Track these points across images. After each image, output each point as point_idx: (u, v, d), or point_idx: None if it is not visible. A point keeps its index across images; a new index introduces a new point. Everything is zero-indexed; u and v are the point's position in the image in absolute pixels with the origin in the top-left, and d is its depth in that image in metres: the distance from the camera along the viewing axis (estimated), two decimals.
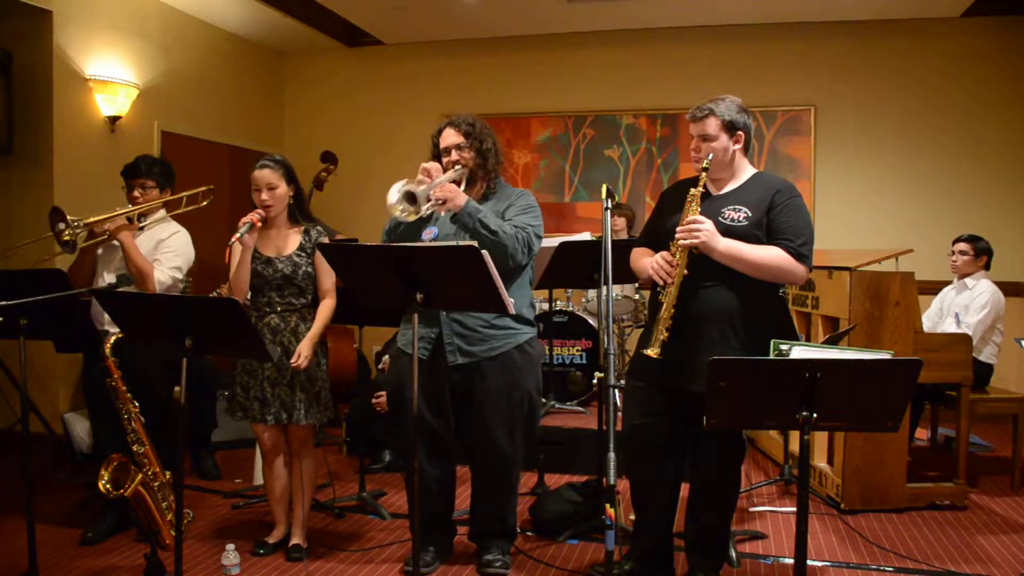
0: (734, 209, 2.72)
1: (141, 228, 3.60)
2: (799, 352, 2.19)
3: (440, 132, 3.17)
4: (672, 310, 2.63)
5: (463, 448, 3.23)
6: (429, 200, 2.86)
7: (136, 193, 3.62)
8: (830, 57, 6.08)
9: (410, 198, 2.84)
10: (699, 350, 2.66)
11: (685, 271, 2.65)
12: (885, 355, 2.16)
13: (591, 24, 6.23)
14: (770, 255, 2.65)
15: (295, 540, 3.30)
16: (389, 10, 5.94)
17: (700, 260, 2.67)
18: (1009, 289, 5.36)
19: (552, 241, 3.89)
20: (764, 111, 6.13)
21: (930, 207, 5.96)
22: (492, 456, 3.13)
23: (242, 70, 6.56)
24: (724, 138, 2.74)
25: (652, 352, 2.61)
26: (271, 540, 3.35)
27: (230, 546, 3.13)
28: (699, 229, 2.62)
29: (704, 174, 2.72)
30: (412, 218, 2.86)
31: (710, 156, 2.72)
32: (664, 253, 2.73)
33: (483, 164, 3.12)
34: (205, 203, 3.85)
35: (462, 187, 3.05)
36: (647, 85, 6.37)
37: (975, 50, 5.88)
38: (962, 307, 4.56)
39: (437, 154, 3.15)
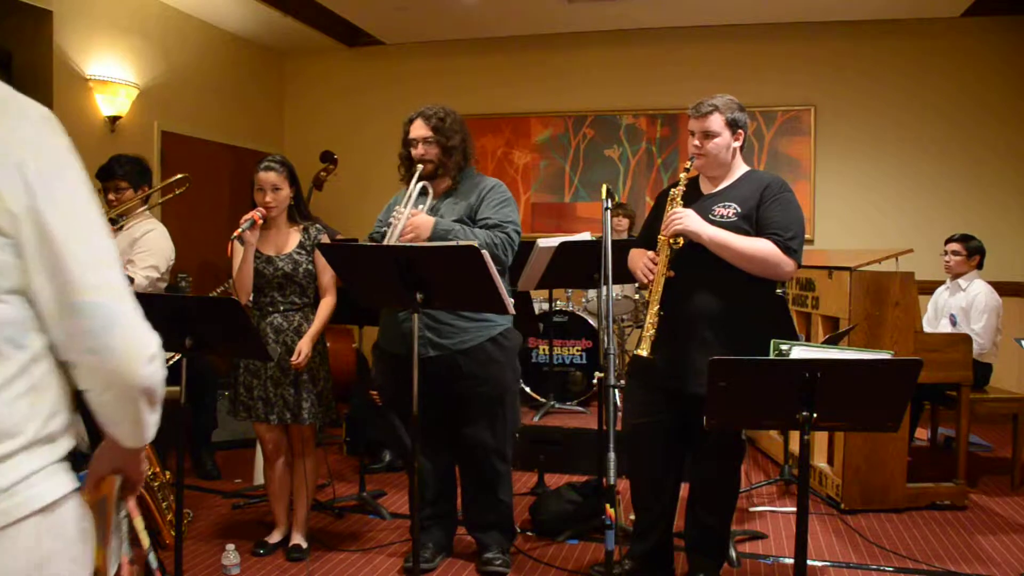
0: (723, 206, 2.74)
1: (119, 228, 3.58)
2: (799, 352, 2.19)
3: (410, 122, 3.14)
4: (657, 307, 2.64)
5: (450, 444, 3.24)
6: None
7: (110, 196, 3.58)
8: (830, 57, 6.08)
9: None
10: (694, 351, 2.67)
11: (670, 272, 2.67)
12: (885, 355, 2.16)
13: (591, 24, 6.23)
14: (757, 245, 2.65)
15: (295, 540, 3.30)
16: (389, 10, 5.94)
17: (692, 261, 2.69)
18: (1009, 289, 5.36)
19: (552, 241, 3.89)
20: (764, 111, 6.13)
21: (930, 207, 5.96)
22: (475, 450, 3.14)
23: (242, 70, 6.56)
24: (727, 135, 2.76)
25: (642, 351, 2.62)
26: (271, 540, 3.35)
27: (230, 546, 3.13)
28: (678, 217, 2.66)
29: (685, 174, 2.76)
30: None
31: (692, 159, 2.77)
32: (650, 253, 2.75)
33: (445, 162, 3.09)
34: (180, 191, 3.80)
35: (428, 199, 3.06)
36: (647, 85, 6.37)
37: (975, 50, 5.88)
38: (958, 309, 4.56)
39: (407, 142, 3.13)
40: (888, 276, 3.82)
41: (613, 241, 2.53)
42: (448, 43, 6.71)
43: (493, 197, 3.09)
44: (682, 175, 2.77)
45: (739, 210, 2.71)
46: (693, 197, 2.80)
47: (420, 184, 3.04)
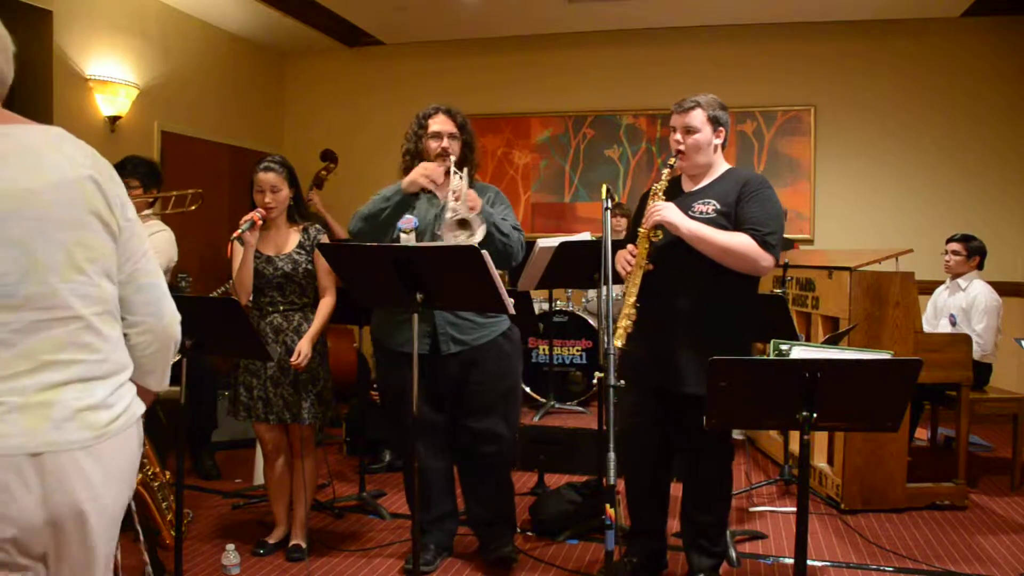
0: (703, 203, 2.77)
1: None
2: (799, 352, 2.19)
3: (429, 116, 3.14)
4: (634, 299, 2.65)
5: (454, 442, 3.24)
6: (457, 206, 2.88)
7: None
8: (830, 57, 6.08)
9: (463, 224, 2.85)
10: (679, 349, 2.69)
11: (649, 265, 2.67)
12: (885, 355, 2.16)
13: (591, 24, 6.23)
14: (735, 239, 2.67)
15: (295, 540, 3.30)
16: (389, 10, 5.94)
17: (676, 258, 2.70)
18: (1009, 289, 5.36)
19: (552, 241, 3.89)
20: (764, 111, 6.13)
21: (930, 207, 5.96)
22: (490, 443, 3.14)
23: (242, 70, 6.56)
24: (708, 131, 2.79)
25: (617, 342, 2.62)
26: (271, 540, 3.35)
27: (230, 546, 3.13)
28: (657, 209, 2.68)
29: (667, 171, 2.78)
30: (472, 239, 2.83)
31: (675, 159, 2.78)
32: (629, 246, 2.77)
33: (471, 159, 3.13)
34: (193, 207, 3.84)
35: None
36: (647, 85, 6.37)
37: (975, 50, 5.88)
38: (957, 309, 4.56)
39: (421, 135, 3.12)
40: (888, 276, 3.82)
41: (613, 241, 2.53)
42: (448, 43, 6.71)
43: (502, 201, 3.15)
44: (664, 171, 2.79)
45: (718, 206, 2.74)
46: (674, 195, 2.83)
47: (465, 170, 3.03)
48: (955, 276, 4.63)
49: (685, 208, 2.74)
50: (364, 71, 6.99)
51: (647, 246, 2.70)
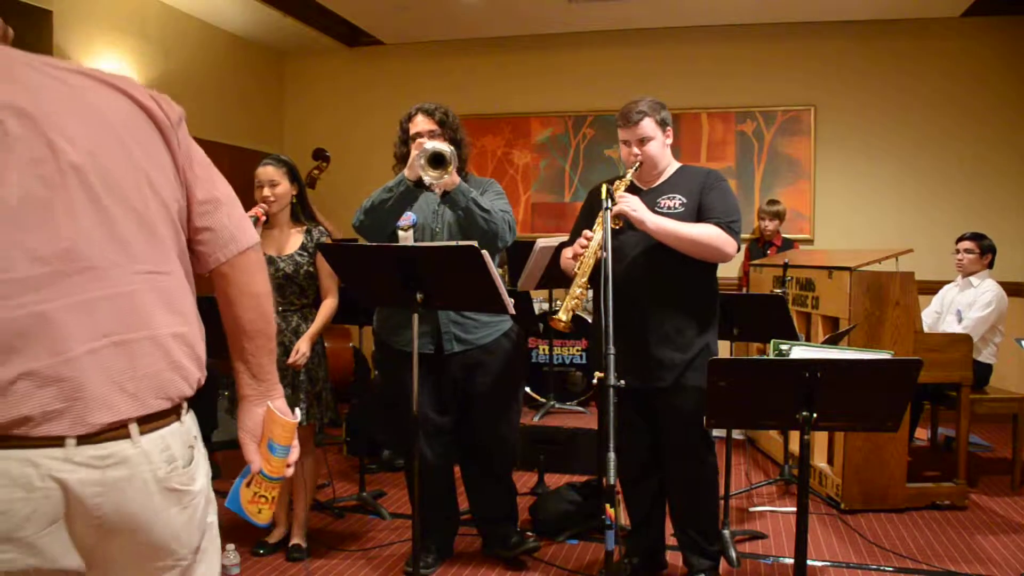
0: (669, 198, 2.80)
1: None
2: (799, 352, 2.19)
3: (410, 118, 3.12)
4: (584, 279, 2.65)
5: (457, 443, 3.24)
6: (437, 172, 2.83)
7: None
8: (830, 57, 6.08)
9: (437, 160, 2.78)
10: (647, 345, 2.72)
11: (602, 252, 2.66)
12: (885, 355, 2.16)
13: (591, 24, 6.23)
14: (701, 229, 2.71)
15: (295, 540, 3.31)
16: (389, 10, 5.94)
17: (639, 255, 2.72)
18: (1011, 289, 5.35)
19: (552, 241, 3.89)
20: (764, 111, 6.13)
21: (930, 207, 5.96)
22: (494, 444, 3.16)
23: (242, 70, 6.56)
24: (660, 135, 2.82)
25: (561, 317, 2.62)
26: (271, 540, 3.35)
27: (230, 546, 3.13)
28: (624, 200, 2.68)
29: (631, 171, 2.79)
30: (439, 181, 2.77)
31: (637, 164, 2.79)
32: (585, 231, 2.77)
33: (459, 153, 3.07)
34: None
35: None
36: (647, 85, 6.34)
37: (975, 50, 5.88)
38: (965, 305, 4.54)
39: (406, 139, 3.12)
40: (888, 276, 3.83)
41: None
42: (448, 43, 6.70)
43: (494, 190, 3.14)
44: (629, 172, 2.80)
45: (685, 201, 2.77)
46: (633, 192, 2.83)
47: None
48: (967, 275, 4.61)
49: (651, 204, 2.77)
50: (364, 71, 6.98)
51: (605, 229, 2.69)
